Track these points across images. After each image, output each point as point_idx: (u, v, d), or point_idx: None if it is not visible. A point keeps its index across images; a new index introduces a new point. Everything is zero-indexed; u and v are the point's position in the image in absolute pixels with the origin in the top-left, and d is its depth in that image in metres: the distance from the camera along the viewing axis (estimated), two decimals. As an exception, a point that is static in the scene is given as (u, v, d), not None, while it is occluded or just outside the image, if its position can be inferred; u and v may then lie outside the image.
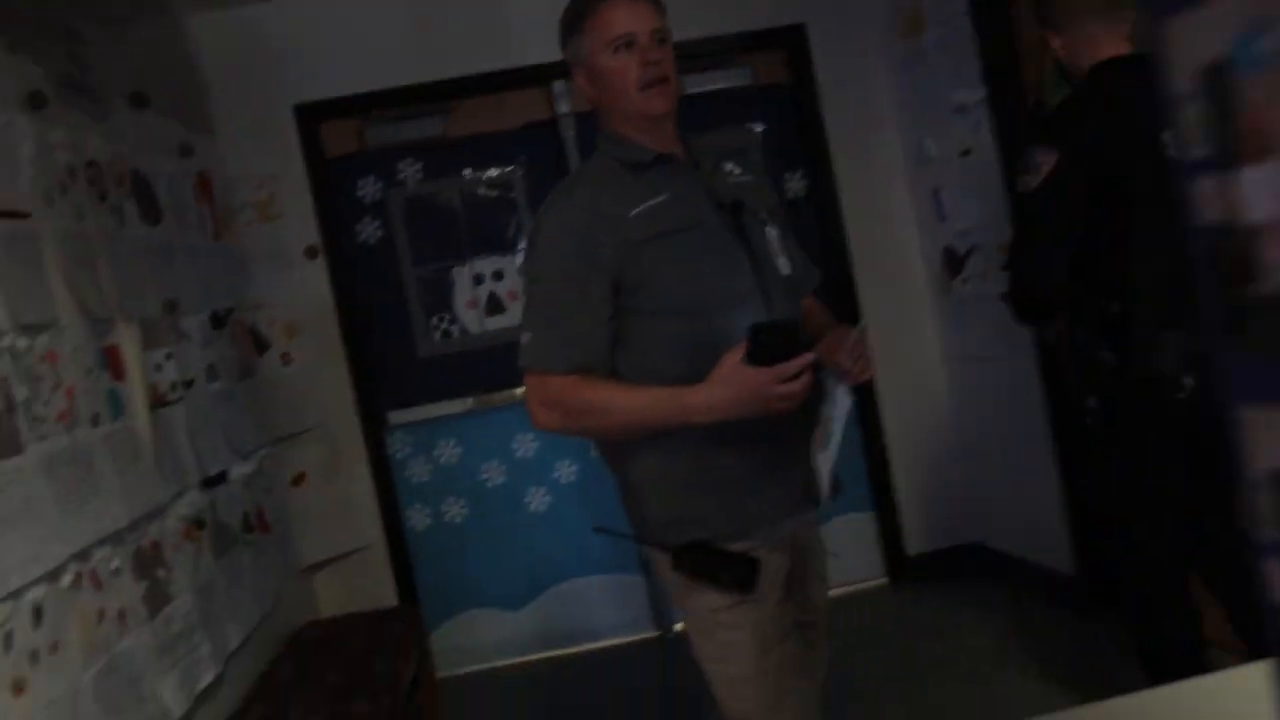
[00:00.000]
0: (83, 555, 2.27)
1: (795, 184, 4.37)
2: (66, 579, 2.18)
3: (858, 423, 4.24)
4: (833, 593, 4.24)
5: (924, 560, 4.38)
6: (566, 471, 4.26)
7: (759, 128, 4.21)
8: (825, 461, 1.89)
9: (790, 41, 4.28)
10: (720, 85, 4.27)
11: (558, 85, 4.15)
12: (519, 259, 2.05)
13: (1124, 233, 2.29)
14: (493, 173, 4.20)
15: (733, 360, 1.73)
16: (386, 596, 4.13)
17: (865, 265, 4.30)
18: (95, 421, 2.47)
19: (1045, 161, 2.34)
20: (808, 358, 1.73)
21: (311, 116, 4.08)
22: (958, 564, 4.32)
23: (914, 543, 4.41)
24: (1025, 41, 3.55)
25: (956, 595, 4.10)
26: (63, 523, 2.19)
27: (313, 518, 4.02)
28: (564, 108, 4.19)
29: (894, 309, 4.26)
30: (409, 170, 4.19)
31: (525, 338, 1.87)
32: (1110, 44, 2.40)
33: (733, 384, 1.73)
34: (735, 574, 1.88)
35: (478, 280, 4.19)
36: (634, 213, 1.86)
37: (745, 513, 1.93)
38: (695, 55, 3.95)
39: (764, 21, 4.22)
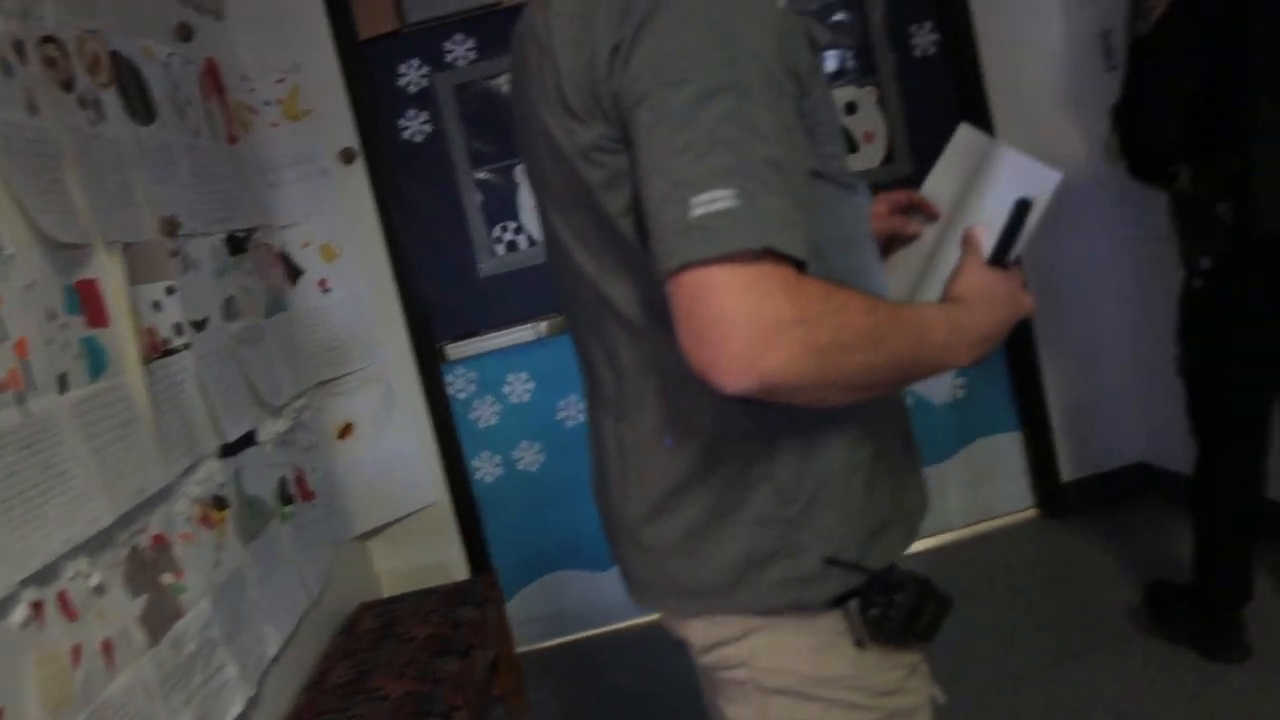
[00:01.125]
0: (43, 576, 1.63)
1: (922, 39, 3.62)
2: (17, 614, 1.55)
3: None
4: (975, 528, 3.81)
5: (1079, 488, 3.79)
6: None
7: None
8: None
9: None
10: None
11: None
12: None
13: (1243, 79, 2.19)
14: (560, 50, 3.47)
15: (977, 262, 1.17)
16: (455, 563, 3.53)
17: (1011, 136, 3.52)
18: (62, 385, 1.83)
19: (1157, 4, 2.26)
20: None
21: (339, -9, 3.38)
22: (1118, 489, 3.77)
23: (1069, 468, 3.80)
24: None
25: (1120, 525, 3.56)
26: (8, 538, 1.56)
27: (364, 476, 3.39)
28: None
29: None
30: (459, 49, 3.46)
31: (715, 200, 0.88)
32: None
33: (994, 296, 1.14)
34: (933, 614, 1.14)
35: (548, 181, 3.49)
36: (782, 5, 1.03)
37: (917, 508, 1.24)
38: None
39: None
